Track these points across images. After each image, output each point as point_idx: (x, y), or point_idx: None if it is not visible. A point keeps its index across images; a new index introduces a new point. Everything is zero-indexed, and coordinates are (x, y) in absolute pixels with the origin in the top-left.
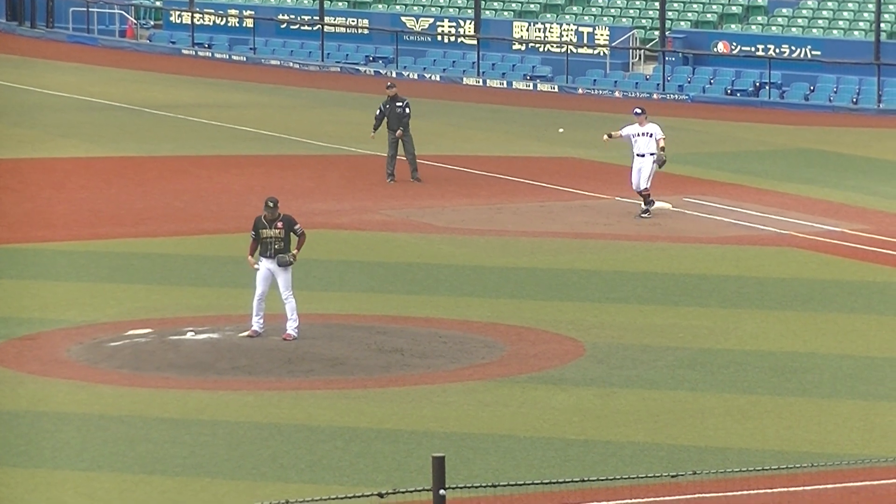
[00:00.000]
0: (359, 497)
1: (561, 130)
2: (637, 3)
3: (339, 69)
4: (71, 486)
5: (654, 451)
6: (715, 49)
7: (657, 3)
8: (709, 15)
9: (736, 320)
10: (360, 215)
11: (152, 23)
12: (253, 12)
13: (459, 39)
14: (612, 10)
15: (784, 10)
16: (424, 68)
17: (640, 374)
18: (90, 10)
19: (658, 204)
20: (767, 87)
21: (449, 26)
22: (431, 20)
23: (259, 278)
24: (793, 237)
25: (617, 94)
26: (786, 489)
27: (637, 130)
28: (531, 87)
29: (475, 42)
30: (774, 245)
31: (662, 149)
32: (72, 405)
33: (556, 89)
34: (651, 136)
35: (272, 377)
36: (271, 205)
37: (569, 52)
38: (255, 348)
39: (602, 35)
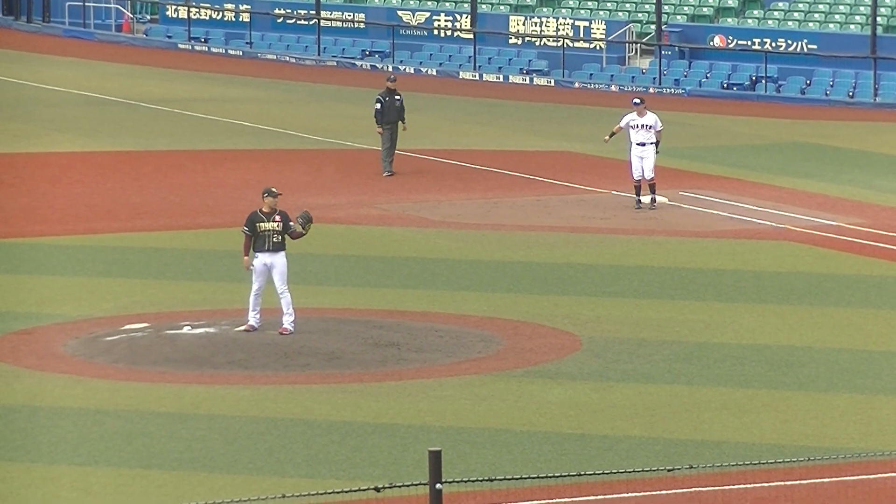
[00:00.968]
0: (355, 491)
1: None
2: None
3: (335, 63)
4: (67, 480)
5: (651, 444)
6: (711, 43)
7: None
8: (705, 9)
9: (732, 314)
10: (357, 209)
11: (148, 17)
12: (249, 7)
13: (456, 34)
14: (609, 4)
15: (780, 4)
16: (421, 62)
17: (636, 368)
18: (86, 4)
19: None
20: (764, 81)
21: (445, 20)
22: (428, 14)
23: (256, 273)
24: (789, 231)
25: (613, 88)
26: (782, 483)
27: (636, 121)
28: (527, 82)
29: (471, 36)
30: (771, 239)
31: (657, 143)
32: (68, 400)
33: (553, 83)
34: (650, 128)
35: (268, 371)
36: (275, 190)
37: (565, 46)
38: (252, 343)
39: (598, 29)
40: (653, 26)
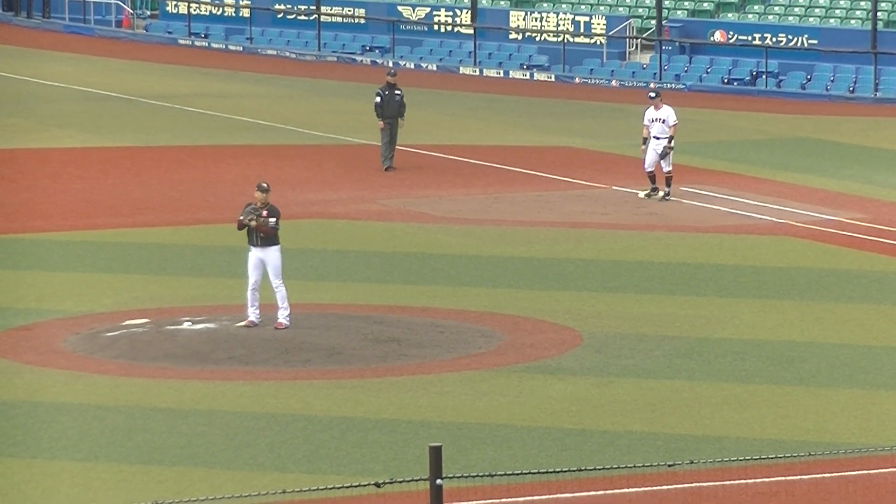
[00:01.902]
0: (356, 486)
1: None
2: None
3: (335, 59)
4: (68, 476)
5: (651, 440)
6: (712, 38)
7: None
8: (705, 4)
9: (733, 309)
10: (357, 205)
11: (148, 13)
12: (249, 2)
13: (456, 29)
14: (609, 0)
15: None
16: (421, 58)
17: (637, 363)
18: (86, 0)
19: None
20: (764, 76)
21: (445, 16)
22: (428, 10)
23: (250, 267)
24: (790, 226)
25: (614, 83)
26: (783, 478)
27: (652, 115)
28: (528, 77)
29: (472, 31)
30: (771, 234)
31: (671, 138)
32: (68, 395)
33: (553, 78)
34: (664, 121)
35: (269, 367)
36: (265, 185)
37: (565, 41)
38: (252, 338)
39: (599, 24)
40: (653, 21)
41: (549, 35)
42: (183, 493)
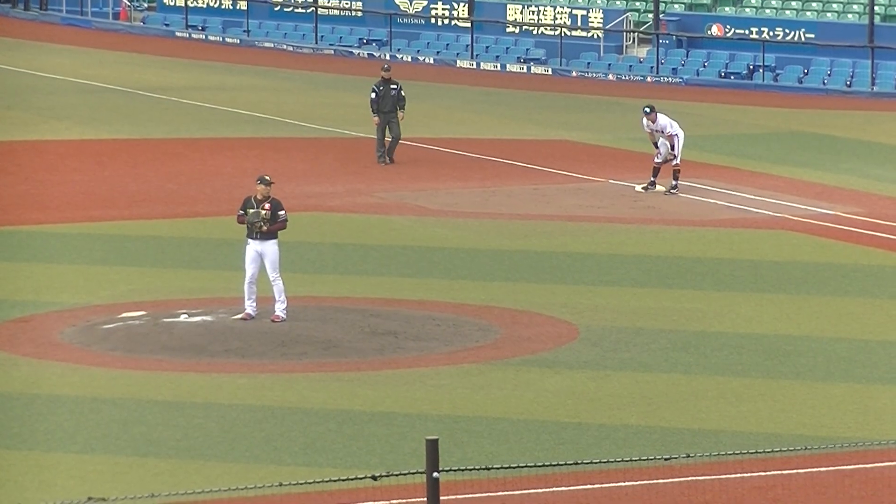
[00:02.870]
0: (352, 479)
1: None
2: None
3: (332, 52)
4: (64, 468)
5: (648, 433)
6: (709, 32)
7: None
8: None
9: (730, 303)
10: (354, 198)
11: (146, 5)
12: None
13: (453, 22)
14: None
15: None
16: (418, 51)
17: (633, 356)
18: None
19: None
20: (761, 70)
21: (443, 9)
22: (425, 3)
23: (247, 261)
24: (787, 220)
25: (611, 76)
26: (779, 472)
27: (650, 127)
28: (525, 70)
29: (469, 25)
30: (768, 228)
31: (672, 146)
32: (65, 388)
33: (550, 72)
34: (661, 132)
35: (265, 360)
36: (268, 178)
37: (563, 34)
38: (249, 331)
39: (596, 18)
40: (650, 15)
41: (546, 28)
42: (179, 486)
